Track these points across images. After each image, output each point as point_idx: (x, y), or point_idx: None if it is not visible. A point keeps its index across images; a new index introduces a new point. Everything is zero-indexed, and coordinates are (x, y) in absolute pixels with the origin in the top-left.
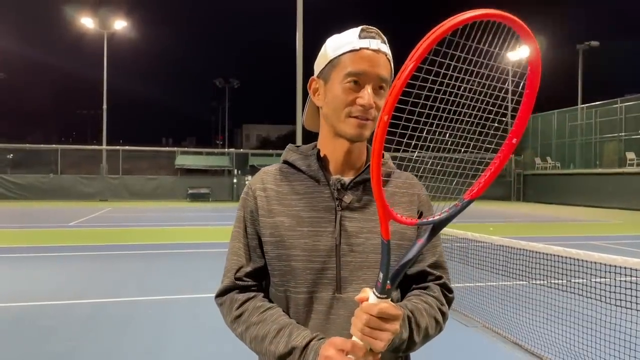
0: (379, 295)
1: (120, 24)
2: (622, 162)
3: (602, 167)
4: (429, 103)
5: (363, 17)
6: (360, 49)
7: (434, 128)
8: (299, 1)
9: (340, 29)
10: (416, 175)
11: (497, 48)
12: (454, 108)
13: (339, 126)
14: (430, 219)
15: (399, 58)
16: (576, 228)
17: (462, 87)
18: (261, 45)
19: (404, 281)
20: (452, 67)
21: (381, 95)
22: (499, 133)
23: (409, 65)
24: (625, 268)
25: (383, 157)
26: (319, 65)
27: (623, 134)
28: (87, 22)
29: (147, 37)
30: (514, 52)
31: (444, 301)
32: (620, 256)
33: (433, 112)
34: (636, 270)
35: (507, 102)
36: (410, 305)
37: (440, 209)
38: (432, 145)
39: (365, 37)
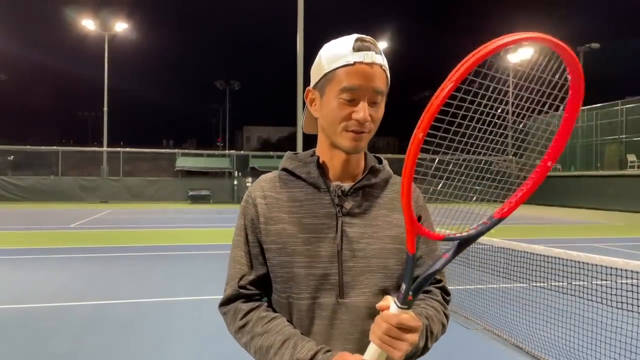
0: (400, 306)
1: (121, 26)
2: (623, 164)
3: (603, 169)
4: (458, 120)
5: (364, 18)
6: (355, 63)
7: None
8: (300, 3)
9: (341, 31)
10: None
11: (535, 70)
12: (484, 127)
13: (335, 139)
14: (458, 235)
15: (399, 56)
16: (577, 230)
17: (495, 107)
18: (262, 47)
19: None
20: (487, 87)
21: (376, 107)
22: (528, 153)
23: (448, 85)
24: (626, 270)
25: (381, 162)
26: (314, 75)
27: (624, 136)
28: (88, 24)
29: (148, 38)
30: (552, 74)
31: (445, 304)
32: (621, 258)
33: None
34: (637, 272)
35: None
36: (425, 313)
37: (469, 225)
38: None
39: (359, 50)
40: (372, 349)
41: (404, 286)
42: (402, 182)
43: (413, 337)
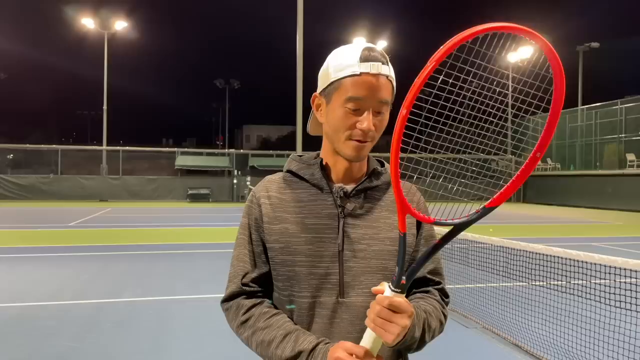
0: (393, 289)
1: (120, 25)
2: (622, 163)
3: (602, 169)
4: (441, 103)
5: (364, 16)
6: (361, 73)
7: (447, 129)
8: (300, 2)
9: (341, 30)
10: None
11: (517, 59)
12: (468, 111)
13: (338, 146)
14: (449, 221)
15: (399, 54)
16: (576, 229)
17: (478, 93)
18: (262, 46)
19: None
20: (471, 73)
21: (381, 116)
22: (514, 138)
23: (429, 65)
24: (625, 269)
25: (383, 165)
26: (321, 81)
27: (623, 135)
28: (87, 22)
29: (148, 37)
30: (535, 66)
31: (444, 305)
32: (620, 257)
33: (448, 114)
34: (636, 271)
35: (514, 110)
36: (423, 307)
37: (459, 213)
38: (450, 147)
39: (366, 60)
40: (368, 334)
41: (397, 269)
42: (390, 162)
43: (404, 320)
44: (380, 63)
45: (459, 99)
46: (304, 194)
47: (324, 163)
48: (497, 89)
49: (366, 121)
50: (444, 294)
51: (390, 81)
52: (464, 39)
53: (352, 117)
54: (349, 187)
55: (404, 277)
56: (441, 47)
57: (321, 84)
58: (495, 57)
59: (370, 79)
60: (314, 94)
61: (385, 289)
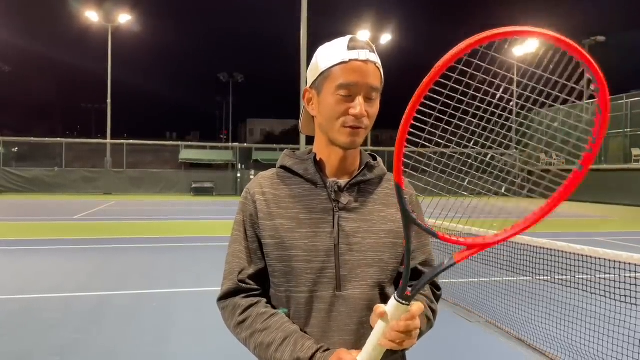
0: (398, 299)
1: (124, 18)
2: (628, 158)
3: (607, 163)
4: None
5: (367, 11)
6: (350, 60)
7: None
8: None
9: (345, 24)
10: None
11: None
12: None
13: (333, 135)
14: (462, 241)
15: (403, 48)
16: (581, 224)
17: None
18: (265, 40)
19: (395, 278)
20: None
21: (372, 103)
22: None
23: (426, 81)
24: (629, 264)
25: (376, 159)
26: (311, 76)
27: (628, 130)
28: (91, 15)
29: (152, 31)
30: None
31: (434, 299)
32: (625, 252)
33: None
34: None
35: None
36: None
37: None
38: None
39: (353, 48)
40: (370, 348)
41: (402, 280)
42: (394, 171)
43: (415, 337)
44: (367, 50)
45: (464, 93)
46: (298, 189)
47: (317, 158)
48: (504, 85)
49: (359, 106)
50: (435, 287)
51: (378, 69)
52: (467, 49)
53: (344, 104)
54: (343, 182)
55: (409, 288)
56: (441, 59)
57: (311, 77)
58: (500, 58)
59: (359, 64)
60: (304, 88)
61: (391, 300)
